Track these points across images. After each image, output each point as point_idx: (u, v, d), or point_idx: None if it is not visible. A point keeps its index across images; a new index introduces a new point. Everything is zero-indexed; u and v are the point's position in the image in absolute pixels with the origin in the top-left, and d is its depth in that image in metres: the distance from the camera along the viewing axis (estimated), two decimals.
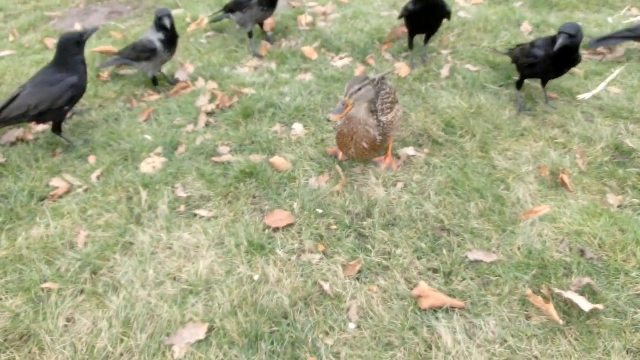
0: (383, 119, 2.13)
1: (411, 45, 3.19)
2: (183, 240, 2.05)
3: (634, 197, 2.11)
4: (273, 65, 3.33)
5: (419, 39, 3.24)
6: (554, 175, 2.24)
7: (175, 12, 4.24)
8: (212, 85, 3.13)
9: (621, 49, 3.16)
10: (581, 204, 2.08)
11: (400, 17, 3.14)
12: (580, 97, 2.75)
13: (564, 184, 2.18)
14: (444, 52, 3.31)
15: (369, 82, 2.04)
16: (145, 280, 1.89)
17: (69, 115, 2.74)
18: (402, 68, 3.11)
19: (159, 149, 2.59)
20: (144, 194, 2.28)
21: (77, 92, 2.61)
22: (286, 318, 1.72)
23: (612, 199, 2.10)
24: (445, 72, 3.04)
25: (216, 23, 3.92)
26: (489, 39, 3.40)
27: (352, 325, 1.69)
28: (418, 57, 3.26)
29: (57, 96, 2.53)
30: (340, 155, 2.41)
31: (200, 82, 3.21)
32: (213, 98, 2.99)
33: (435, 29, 3.10)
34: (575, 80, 2.90)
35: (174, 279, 1.90)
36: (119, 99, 3.16)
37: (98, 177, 2.45)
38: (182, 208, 2.23)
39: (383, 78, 2.28)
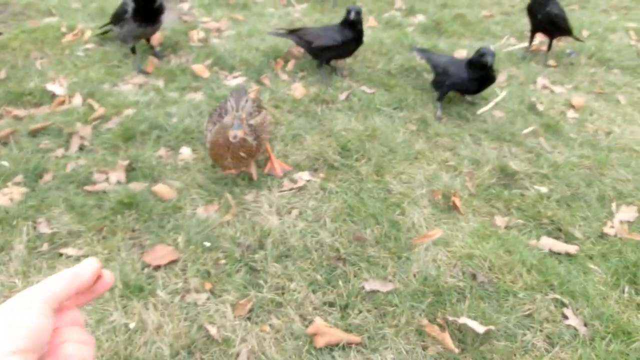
0: (252, 122, 2.12)
1: (321, 66, 3.14)
2: None
3: (519, 218, 2.18)
4: (160, 83, 3.08)
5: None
6: (446, 198, 2.26)
7: (48, 20, 3.81)
8: (91, 103, 2.82)
9: (502, 76, 3.36)
10: (472, 227, 2.10)
11: (321, 49, 3.01)
12: (480, 111, 2.88)
13: (455, 207, 2.20)
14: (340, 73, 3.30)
15: (247, 93, 2.10)
16: None
17: None
18: (297, 89, 3.03)
19: (19, 177, 2.24)
20: None
21: None
22: None
23: (500, 221, 2.16)
24: (342, 96, 3.01)
25: (100, 35, 3.55)
26: (383, 61, 3.45)
27: None
28: (329, 76, 3.21)
29: None
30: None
31: (77, 99, 2.88)
32: (87, 116, 2.68)
33: (351, 54, 3.15)
34: (464, 105, 3.01)
35: None
36: None
37: None
38: (45, 247, 1.92)
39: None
